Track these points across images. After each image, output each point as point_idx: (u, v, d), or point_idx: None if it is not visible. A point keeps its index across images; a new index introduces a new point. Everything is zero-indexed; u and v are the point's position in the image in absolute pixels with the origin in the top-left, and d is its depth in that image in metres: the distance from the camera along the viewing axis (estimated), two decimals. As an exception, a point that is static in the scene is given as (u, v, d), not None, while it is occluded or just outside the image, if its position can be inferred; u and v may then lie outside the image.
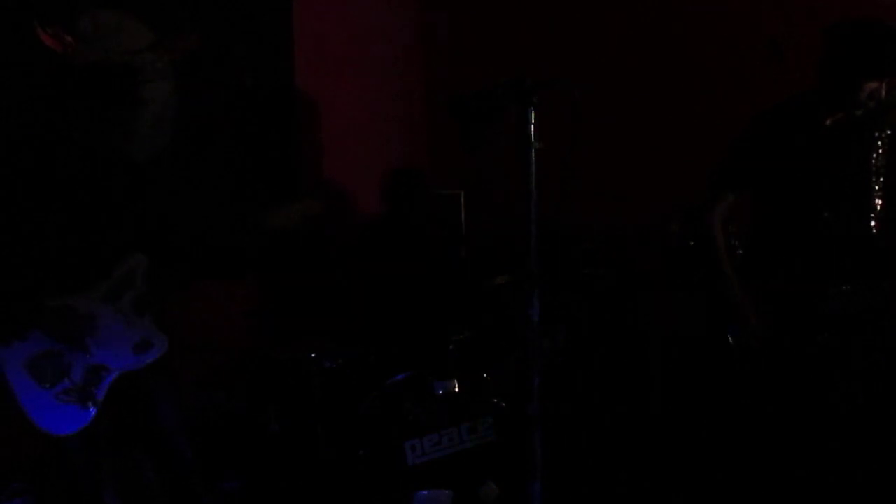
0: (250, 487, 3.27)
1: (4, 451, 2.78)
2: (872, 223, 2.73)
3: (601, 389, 3.73)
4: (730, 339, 2.84)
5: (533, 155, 2.11)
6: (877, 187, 2.73)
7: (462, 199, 3.78)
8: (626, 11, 4.01)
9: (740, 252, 2.96)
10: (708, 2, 3.81)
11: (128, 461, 2.71)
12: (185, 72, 2.50)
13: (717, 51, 3.75)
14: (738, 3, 3.72)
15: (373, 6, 4.32)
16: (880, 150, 2.73)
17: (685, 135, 3.48)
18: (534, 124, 2.07)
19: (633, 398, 3.66)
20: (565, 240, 3.76)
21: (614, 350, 3.77)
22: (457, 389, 3.11)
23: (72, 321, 2.38)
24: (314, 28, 3.89)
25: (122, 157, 2.44)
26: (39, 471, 2.78)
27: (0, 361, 2.34)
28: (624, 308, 3.83)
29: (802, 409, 2.80)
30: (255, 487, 3.28)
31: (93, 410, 2.38)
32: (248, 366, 3.54)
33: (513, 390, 3.21)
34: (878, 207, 2.73)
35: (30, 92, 2.80)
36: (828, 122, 2.70)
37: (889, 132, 2.73)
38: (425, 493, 3.01)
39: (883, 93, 2.64)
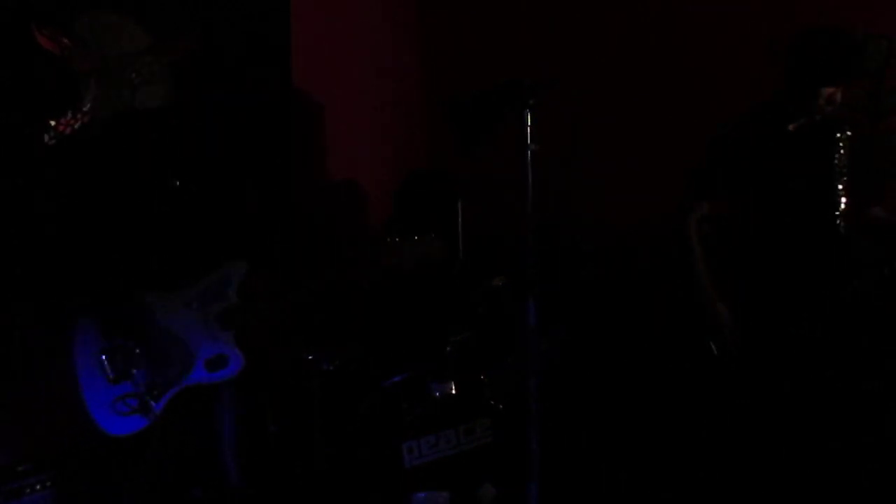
0: (248, 488, 3.26)
1: (27, 442, 2.73)
2: (838, 222, 2.83)
3: (599, 390, 3.73)
4: (711, 343, 2.93)
5: (530, 157, 2.11)
6: (840, 186, 2.84)
7: (459, 201, 3.76)
8: (625, 12, 4.01)
9: (713, 247, 3.03)
10: (708, 3, 3.81)
11: (154, 468, 2.66)
12: (183, 73, 2.49)
13: (717, 51, 3.75)
14: (738, 5, 3.72)
15: (370, 8, 4.31)
16: (842, 151, 2.84)
17: (684, 135, 3.47)
18: (530, 126, 2.08)
19: (631, 399, 3.65)
20: (563, 241, 3.76)
21: (612, 351, 3.77)
22: (454, 391, 3.11)
23: (151, 322, 2.30)
24: (312, 30, 3.88)
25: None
26: (62, 464, 2.73)
27: (73, 350, 2.26)
28: (622, 309, 3.83)
29: (782, 406, 2.87)
30: (252, 488, 3.28)
31: (148, 420, 2.31)
32: (246, 367, 3.53)
33: (510, 392, 3.21)
34: (843, 206, 2.83)
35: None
36: (791, 128, 2.83)
37: (849, 133, 2.87)
38: (423, 494, 3.01)
39: (839, 97, 2.78)
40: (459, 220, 3.61)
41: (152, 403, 2.28)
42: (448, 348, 3.17)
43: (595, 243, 3.86)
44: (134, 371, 2.29)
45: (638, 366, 3.66)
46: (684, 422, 3.27)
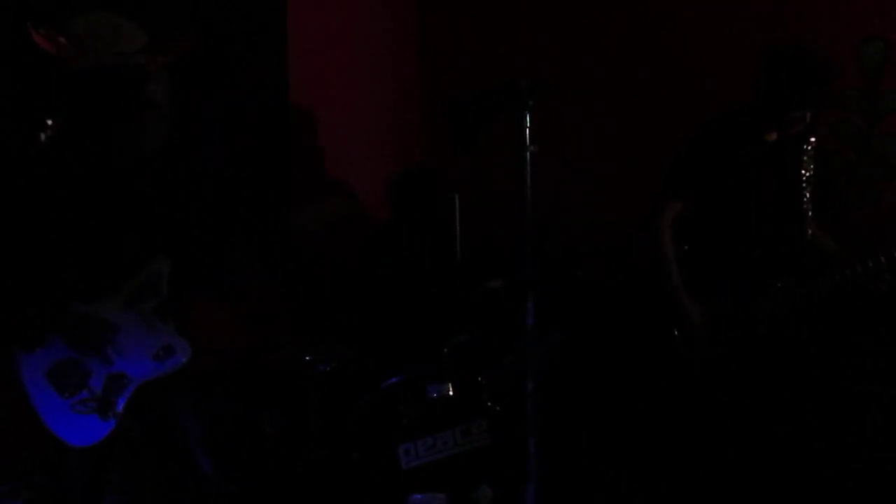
0: (245, 490, 3.25)
1: (5, 446, 2.72)
2: (804, 227, 2.94)
3: (597, 392, 3.73)
4: (676, 335, 3.00)
5: (528, 158, 2.11)
6: (807, 194, 2.94)
7: (457, 202, 3.77)
8: (624, 13, 4.01)
9: (685, 247, 3.09)
10: (707, 4, 3.82)
11: (135, 472, 2.66)
12: (180, 74, 2.48)
13: (716, 53, 3.76)
14: (735, 7, 3.73)
15: (368, 9, 4.31)
16: (807, 158, 2.94)
17: (681, 136, 3.48)
18: (529, 127, 2.07)
19: (629, 400, 3.65)
20: (561, 242, 3.76)
21: (610, 352, 3.77)
22: (451, 392, 3.10)
23: (93, 328, 2.33)
24: (309, 30, 3.88)
25: (129, 160, 2.42)
26: (33, 473, 2.73)
27: (19, 369, 2.29)
28: (619, 310, 3.83)
29: (754, 404, 2.95)
30: (249, 490, 3.27)
31: (112, 422, 2.33)
32: (243, 369, 3.52)
33: (508, 393, 3.21)
34: (809, 213, 2.94)
35: (34, 96, 2.77)
36: (768, 138, 2.91)
37: (814, 140, 2.95)
38: (420, 496, 3.01)
39: (808, 118, 2.84)
40: (457, 221, 3.61)
41: (111, 404, 2.31)
42: (446, 349, 3.17)
43: (593, 244, 3.86)
44: (89, 379, 2.32)
45: (636, 367, 3.66)
46: (682, 422, 3.27)
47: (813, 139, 2.95)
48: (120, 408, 2.34)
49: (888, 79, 3.43)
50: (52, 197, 2.31)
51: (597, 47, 4.06)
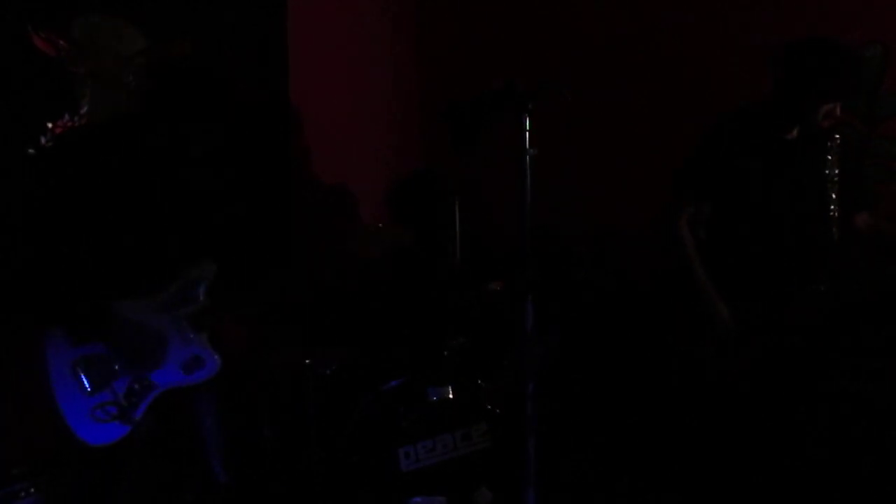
0: (243, 493, 3.25)
1: (11, 446, 2.70)
2: (832, 229, 2.84)
3: (596, 394, 3.73)
4: (704, 344, 2.89)
5: (528, 161, 2.11)
6: (833, 195, 2.85)
7: (456, 205, 3.77)
8: (622, 15, 4.02)
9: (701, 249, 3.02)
10: (702, 6, 3.82)
11: (149, 473, 2.64)
12: (178, 77, 2.49)
13: (712, 54, 3.76)
14: (733, 8, 3.74)
15: (367, 12, 4.32)
16: (831, 157, 2.86)
17: (680, 138, 3.49)
18: (528, 130, 2.08)
19: (628, 402, 3.65)
20: (560, 244, 3.76)
21: (609, 354, 3.77)
22: (451, 396, 3.10)
23: (129, 329, 2.28)
24: (308, 34, 3.88)
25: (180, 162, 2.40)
26: (48, 469, 2.71)
27: (46, 359, 2.26)
28: (619, 312, 3.83)
29: (779, 413, 2.87)
30: (248, 493, 3.26)
31: (129, 427, 2.30)
32: (242, 371, 3.52)
33: (507, 396, 3.21)
34: (836, 214, 2.85)
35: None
36: (788, 137, 2.82)
37: (839, 137, 2.87)
38: (419, 499, 3.01)
39: (838, 111, 2.76)
40: (456, 223, 3.61)
41: (132, 410, 2.28)
42: (445, 353, 3.17)
43: (591, 246, 3.86)
44: (111, 380, 2.29)
45: (635, 368, 3.66)
46: (682, 425, 3.27)
47: (837, 136, 2.87)
48: (139, 414, 2.31)
49: (887, 82, 3.44)
50: (97, 193, 2.29)
51: (596, 48, 4.06)
